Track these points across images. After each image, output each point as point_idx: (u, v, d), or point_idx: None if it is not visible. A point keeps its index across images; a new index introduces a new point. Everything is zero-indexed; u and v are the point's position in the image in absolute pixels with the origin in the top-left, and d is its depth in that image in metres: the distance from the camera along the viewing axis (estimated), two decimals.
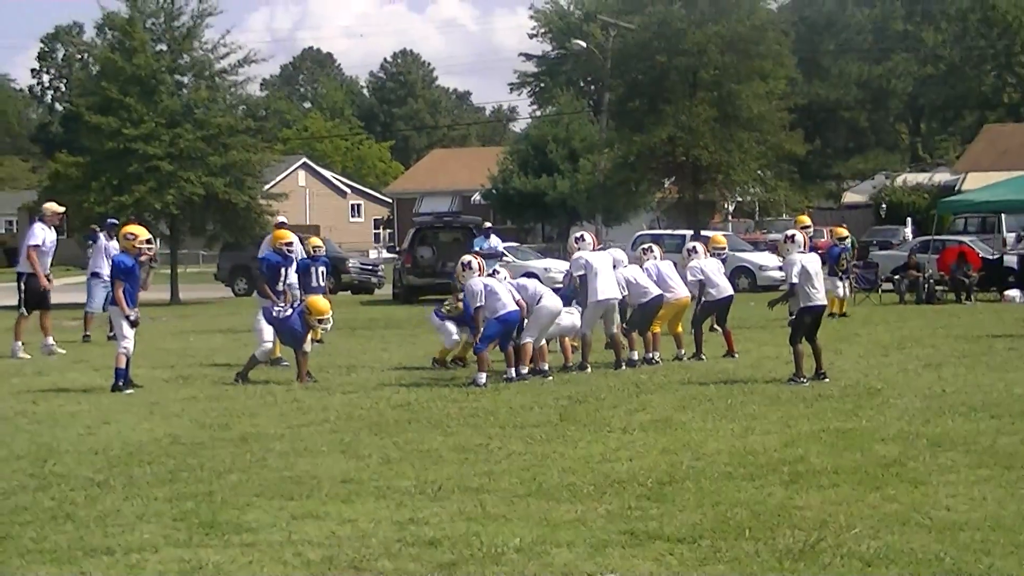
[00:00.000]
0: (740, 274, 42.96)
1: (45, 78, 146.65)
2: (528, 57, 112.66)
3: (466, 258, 19.13)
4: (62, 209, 24.35)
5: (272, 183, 59.45)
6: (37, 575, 8.21)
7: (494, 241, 37.09)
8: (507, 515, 9.59)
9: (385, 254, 69.25)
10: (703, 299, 21.37)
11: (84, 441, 13.28)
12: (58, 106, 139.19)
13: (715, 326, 22.34)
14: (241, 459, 12.03)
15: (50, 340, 23.40)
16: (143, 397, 16.84)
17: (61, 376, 19.54)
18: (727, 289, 21.73)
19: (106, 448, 12.77)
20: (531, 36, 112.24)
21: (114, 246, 27.11)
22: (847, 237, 31.15)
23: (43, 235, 23.31)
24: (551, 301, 18.83)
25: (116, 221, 29.04)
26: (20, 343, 22.97)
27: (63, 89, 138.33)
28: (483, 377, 17.57)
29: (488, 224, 40.90)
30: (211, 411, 15.44)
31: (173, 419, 14.86)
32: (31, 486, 10.88)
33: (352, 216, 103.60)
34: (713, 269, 21.62)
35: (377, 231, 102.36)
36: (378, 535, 9.04)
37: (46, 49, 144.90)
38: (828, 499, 9.97)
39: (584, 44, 73.85)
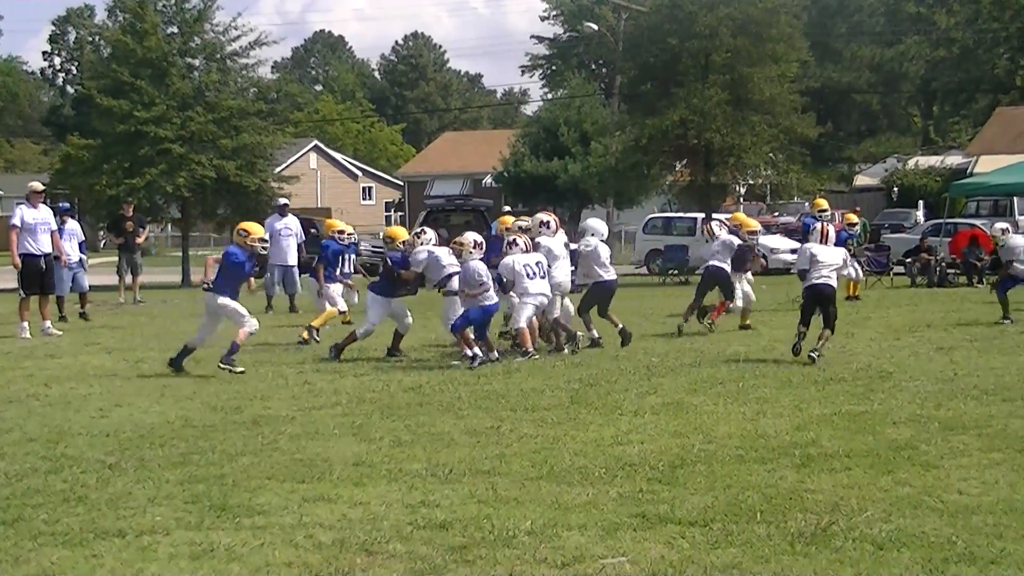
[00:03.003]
0: None
1: (56, 61, 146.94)
2: (540, 40, 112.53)
3: (474, 237, 19.09)
4: (40, 187, 24.34)
5: (283, 166, 59.61)
6: (49, 557, 8.20)
7: None
8: (518, 498, 9.59)
9: None
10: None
11: (96, 424, 13.30)
12: (69, 89, 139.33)
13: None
14: (253, 442, 12.03)
15: (47, 324, 23.51)
16: (154, 380, 16.85)
17: (73, 359, 19.58)
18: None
19: (118, 431, 12.78)
20: (543, 18, 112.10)
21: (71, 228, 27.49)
22: (857, 224, 31.06)
23: (20, 214, 23.36)
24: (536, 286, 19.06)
25: (68, 206, 29.06)
26: (25, 324, 23.08)
27: (74, 72, 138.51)
28: (473, 351, 17.69)
29: (507, 208, 40.90)
30: (223, 394, 15.46)
31: (185, 402, 14.89)
32: (43, 468, 10.90)
33: (363, 199, 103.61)
34: None
35: (388, 214, 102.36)
36: (389, 518, 9.05)
37: (57, 32, 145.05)
38: (840, 482, 9.96)
39: (596, 27, 73.68)
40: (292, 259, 29.44)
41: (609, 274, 20.45)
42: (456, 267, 18.93)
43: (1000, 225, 24.82)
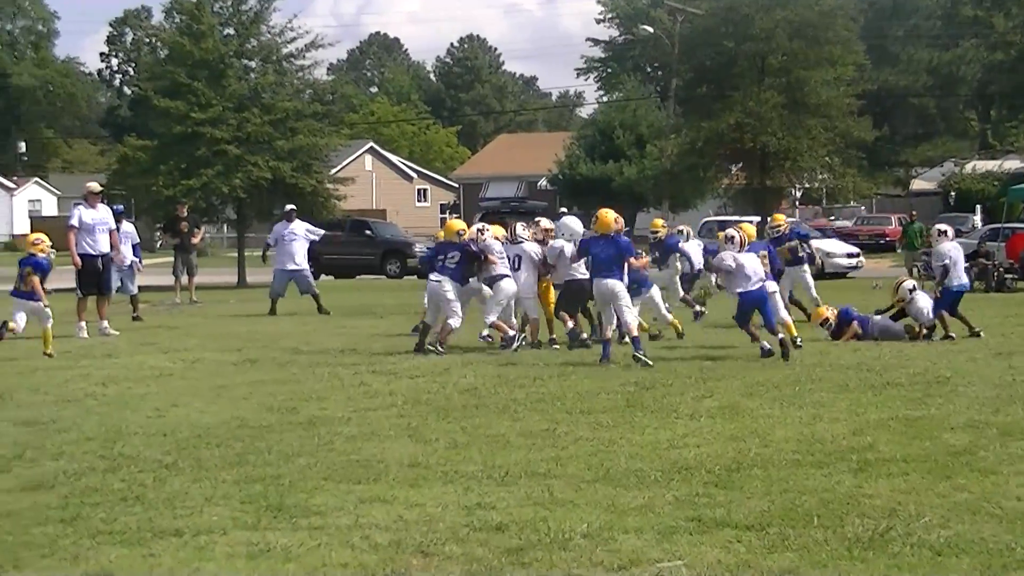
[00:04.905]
0: None
1: (114, 62, 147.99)
2: (595, 42, 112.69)
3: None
4: (98, 188, 24.45)
5: (339, 167, 59.73)
6: (107, 556, 8.24)
7: None
8: (574, 501, 9.57)
9: None
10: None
11: (153, 423, 13.35)
12: (126, 90, 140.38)
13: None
14: (309, 443, 12.06)
15: (104, 323, 23.61)
16: (210, 380, 16.93)
17: (130, 358, 19.67)
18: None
19: (175, 430, 12.83)
20: (598, 21, 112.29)
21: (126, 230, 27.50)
22: (780, 226, 26.99)
23: (78, 214, 23.50)
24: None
25: (122, 208, 29.10)
26: (83, 323, 23.20)
27: (132, 73, 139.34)
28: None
29: (563, 209, 41.01)
30: (278, 394, 15.48)
31: (241, 402, 14.93)
32: (101, 467, 10.95)
33: (419, 201, 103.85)
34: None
35: (443, 216, 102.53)
36: (445, 520, 9.05)
37: (115, 33, 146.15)
38: (897, 488, 9.90)
39: (651, 29, 73.70)
40: (295, 264, 29.48)
41: (580, 272, 20.24)
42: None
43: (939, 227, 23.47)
